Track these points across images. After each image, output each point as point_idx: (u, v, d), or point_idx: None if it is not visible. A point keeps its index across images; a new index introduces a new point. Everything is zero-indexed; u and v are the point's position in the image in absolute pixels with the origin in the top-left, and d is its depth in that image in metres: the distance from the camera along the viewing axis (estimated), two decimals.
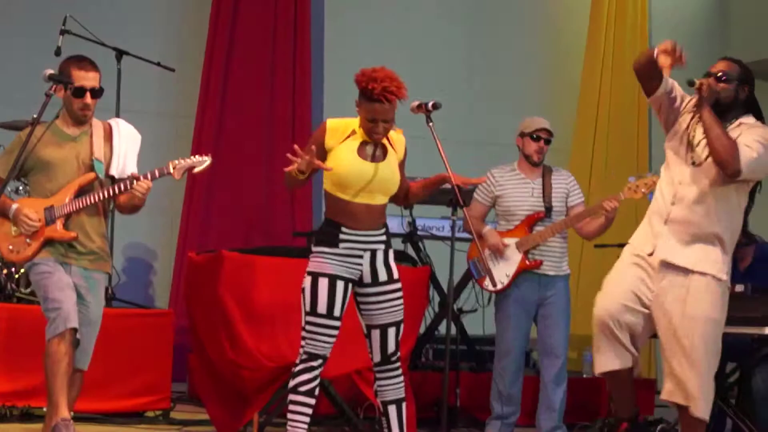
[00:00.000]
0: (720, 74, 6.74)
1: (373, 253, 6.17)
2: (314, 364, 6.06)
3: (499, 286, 8.04)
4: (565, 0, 14.10)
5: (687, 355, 6.38)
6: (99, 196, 6.46)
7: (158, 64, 10.69)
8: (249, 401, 8.02)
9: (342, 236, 6.10)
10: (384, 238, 6.23)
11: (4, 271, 8.79)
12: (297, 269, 7.91)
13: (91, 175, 6.51)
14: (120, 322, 9.00)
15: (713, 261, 6.47)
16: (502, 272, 8.04)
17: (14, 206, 6.44)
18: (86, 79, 6.53)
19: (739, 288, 8.22)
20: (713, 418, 8.85)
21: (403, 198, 6.38)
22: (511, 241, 8.06)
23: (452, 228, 6.66)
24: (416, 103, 6.31)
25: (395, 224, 9.41)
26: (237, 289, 8.06)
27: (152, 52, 10.86)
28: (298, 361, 6.10)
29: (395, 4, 13.02)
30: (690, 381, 6.38)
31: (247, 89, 12.16)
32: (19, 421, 8.04)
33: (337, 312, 6.06)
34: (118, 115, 9.82)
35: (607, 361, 6.59)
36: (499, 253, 8.06)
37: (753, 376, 8.48)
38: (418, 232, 9.58)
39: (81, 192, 6.47)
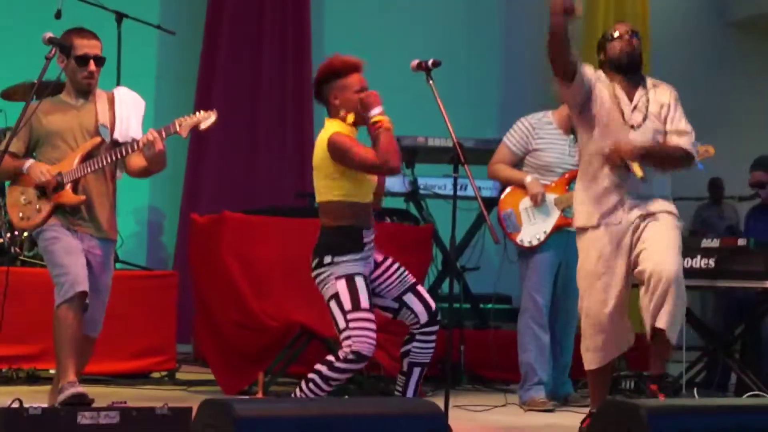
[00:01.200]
0: (633, 32, 6.80)
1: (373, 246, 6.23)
2: (358, 366, 6.01)
3: (535, 243, 7.90)
4: None
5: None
6: (106, 160, 6.34)
7: (159, 27, 10.66)
8: (253, 361, 8.02)
9: (365, 239, 6.11)
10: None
11: (8, 235, 8.77)
12: (299, 228, 7.93)
13: (97, 139, 6.40)
14: (125, 285, 8.99)
15: (672, 207, 6.77)
16: (540, 229, 7.88)
17: (28, 162, 6.33)
18: (89, 47, 6.43)
19: (742, 242, 8.20)
20: (719, 372, 8.86)
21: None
22: (552, 196, 7.91)
23: (454, 186, 6.57)
24: (416, 61, 6.30)
25: (397, 183, 9.39)
26: (239, 249, 8.06)
27: (152, 15, 10.82)
28: (341, 357, 5.97)
29: None
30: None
31: (247, 51, 12.17)
32: (25, 384, 8.03)
33: (371, 306, 6.04)
34: (119, 79, 9.84)
35: (609, 352, 6.64)
36: (535, 202, 7.89)
37: (760, 327, 8.44)
38: (420, 191, 9.54)
39: (88, 157, 6.35)
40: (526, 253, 7.97)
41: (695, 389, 8.51)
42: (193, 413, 3.97)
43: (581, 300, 6.67)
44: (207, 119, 6.39)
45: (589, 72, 6.63)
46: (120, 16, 10.19)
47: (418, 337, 6.13)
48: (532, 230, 7.84)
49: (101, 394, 7.05)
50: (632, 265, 6.56)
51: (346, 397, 7.55)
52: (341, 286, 5.98)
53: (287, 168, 11.91)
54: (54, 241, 6.26)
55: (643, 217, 6.62)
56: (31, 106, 6.27)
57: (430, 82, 6.24)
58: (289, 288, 7.79)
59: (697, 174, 12.31)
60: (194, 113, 6.43)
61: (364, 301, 5.96)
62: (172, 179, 11.90)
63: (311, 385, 5.97)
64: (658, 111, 6.71)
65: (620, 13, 13.74)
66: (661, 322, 6.42)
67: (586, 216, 6.63)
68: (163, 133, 6.30)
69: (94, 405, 5.74)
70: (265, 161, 11.97)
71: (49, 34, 6.36)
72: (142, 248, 11.93)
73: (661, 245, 6.52)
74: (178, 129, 6.34)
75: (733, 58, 15.03)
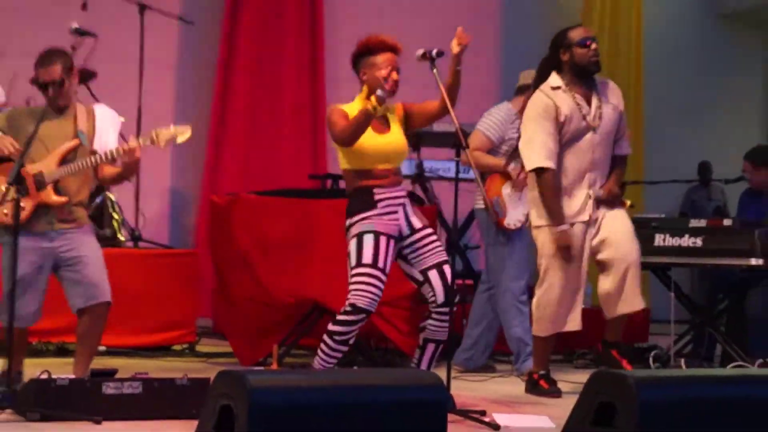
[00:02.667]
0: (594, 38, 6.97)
1: (404, 207, 6.17)
2: (356, 318, 5.98)
3: (518, 225, 7.92)
4: None
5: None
6: (87, 163, 6.31)
7: (179, 17, 10.64)
8: (269, 334, 8.02)
9: (377, 196, 6.07)
10: (405, 193, 6.26)
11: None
12: (311, 209, 7.92)
13: (75, 141, 6.37)
14: (148, 262, 9.04)
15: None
16: (521, 211, 7.89)
17: None
18: (45, 74, 6.35)
19: (727, 222, 8.22)
20: (705, 344, 8.87)
21: (448, 97, 6.15)
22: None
23: (456, 169, 6.58)
24: (421, 51, 6.24)
25: (404, 166, 9.35)
26: (255, 229, 8.06)
27: (173, 5, 10.80)
28: (342, 311, 6.03)
29: None
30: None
31: (264, 40, 12.14)
32: (54, 356, 8.05)
33: (381, 263, 5.99)
34: (141, 67, 9.84)
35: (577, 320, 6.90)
36: (517, 188, 7.91)
37: (745, 303, 8.44)
38: (426, 174, 9.54)
39: (65, 160, 6.32)
40: (511, 235, 7.99)
41: (683, 360, 8.53)
42: (211, 384, 3.98)
43: (545, 275, 6.86)
44: (183, 133, 6.44)
45: (552, 128, 6.80)
46: (142, 7, 10.18)
47: (434, 315, 6.12)
48: (515, 213, 7.86)
49: (125, 366, 7.07)
50: (593, 251, 6.86)
51: (354, 368, 7.57)
52: (352, 246, 6.03)
53: (302, 152, 11.89)
54: (10, 263, 5.97)
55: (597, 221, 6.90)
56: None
57: (434, 71, 6.21)
58: (302, 265, 7.79)
59: (688, 158, 12.38)
60: (171, 125, 6.43)
61: (367, 257, 5.96)
62: (193, 164, 11.92)
63: (323, 345, 6.03)
64: (610, 113, 6.93)
65: (615, 5, 13.72)
66: (636, 304, 6.88)
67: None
68: (141, 143, 6.31)
69: (118, 376, 5.75)
70: (281, 146, 11.94)
71: (75, 24, 6.36)
72: (165, 228, 11.90)
73: (623, 235, 6.87)
74: (155, 139, 6.34)
75: (722, 50, 14.98)
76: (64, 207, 6.29)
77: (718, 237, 8.09)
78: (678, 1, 14.85)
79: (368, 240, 5.99)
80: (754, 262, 7.85)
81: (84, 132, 6.45)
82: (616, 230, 6.85)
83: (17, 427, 5.31)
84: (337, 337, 6.00)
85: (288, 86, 12.06)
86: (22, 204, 6.02)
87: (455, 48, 6.12)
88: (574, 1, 13.85)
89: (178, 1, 11.57)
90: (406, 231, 6.13)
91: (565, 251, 6.76)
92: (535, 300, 6.92)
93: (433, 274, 6.10)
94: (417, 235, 6.14)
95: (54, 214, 6.29)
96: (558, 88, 6.82)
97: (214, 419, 3.77)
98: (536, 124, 6.82)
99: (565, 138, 6.80)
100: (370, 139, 6.07)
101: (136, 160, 6.34)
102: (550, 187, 6.75)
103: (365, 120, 5.93)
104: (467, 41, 6.11)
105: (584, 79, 6.85)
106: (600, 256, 6.86)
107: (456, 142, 6.24)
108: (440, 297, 6.08)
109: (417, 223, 6.16)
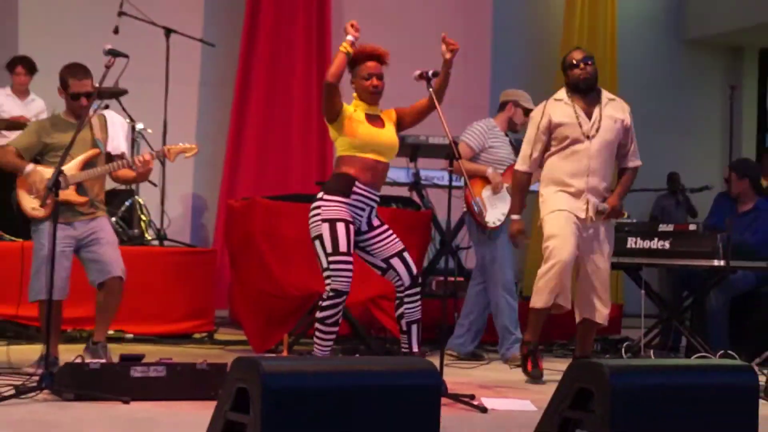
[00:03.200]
0: (588, 58, 7.01)
1: (372, 209, 6.16)
2: (339, 300, 5.98)
3: (498, 223, 7.95)
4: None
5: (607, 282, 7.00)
6: (106, 169, 6.69)
7: (201, 40, 10.65)
8: (279, 324, 8.03)
9: (356, 189, 6.05)
10: (378, 199, 6.21)
11: None
12: None
13: (96, 150, 6.70)
14: (172, 259, 9.05)
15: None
16: (499, 211, 7.93)
17: (27, 168, 6.57)
18: (80, 86, 6.62)
19: (693, 227, 8.22)
20: (671, 336, 8.87)
21: (436, 96, 6.20)
22: (506, 185, 7.94)
23: (450, 178, 6.59)
24: (418, 72, 6.24)
25: (402, 175, 9.40)
26: (268, 230, 8.06)
27: (196, 29, 10.80)
28: (324, 297, 6.01)
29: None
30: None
31: (278, 60, 12.15)
32: (87, 342, 8.03)
33: (351, 250, 6.01)
34: (167, 86, 9.85)
35: (568, 299, 6.88)
36: (495, 191, 7.97)
37: (708, 300, 8.44)
38: (421, 182, 9.54)
39: (86, 165, 6.63)
40: (492, 233, 8.00)
41: (652, 351, 8.53)
42: (228, 369, 3.98)
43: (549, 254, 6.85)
44: (191, 150, 6.84)
45: (537, 146, 6.96)
46: (168, 31, 10.21)
47: (405, 299, 6.12)
48: (494, 213, 7.92)
49: (151, 352, 7.07)
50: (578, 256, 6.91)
51: (357, 355, 7.56)
52: (324, 230, 5.98)
53: (309, 161, 11.89)
54: (38, 241, 6.58)
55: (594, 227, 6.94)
56: (91, 110, 6.43)
57: (430, 89, 6.21)
58: (309, 262, 7.73)
59: (658, 169, 12.39)
60: (182, 143, 6.88)
61: (343, 246, 5.95)
62: (212, 171, 11.93)
63: (317, 332, 6.05)
64: (611, 125, 6.93)
65: (593, 30, 13.72)
66: (601, 318, 6.98)
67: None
68: (155, 156, 6.71)
69: (144, 361, 5.75)
70: (291, 155, 11.96)
71: (108, 46, 6.38)
72: (187, 229, 11.91)
73: (600, 256, 6.95)
74: (166, 154, 6.75)
75: (687, 72, 15.00)
76: (82, 204, 6.62)
77: (684, 240, 8.10)
78: (648, 28, 14.83)
79: (341, 229, 5.98)
80: (716, 263, 7.86)
81: (100, 139, 6.76)
82: (603, 252, 6.96)
83: (54, 406, 5.31)
84: (327, 321, 6.01)
85: (297, 103, 12.08)
86: (47, 201, 6.30)
87: (447, 54, 6.19)
88: (555, 28, 13.86)
89: (200, 25, 11.61)
90: (364, 227, 6.13)
91: (514, 238, 7.05)
92: (538, 273, 6.89)
93: (396, 261, 6.10)
94: (375, 231, 6.14)
95: (75, 209, 6.61)
96: (560, 100, 6.95)
97: (231, 401, 3.76)
98: (529, 130, 7.05)
99: (563, 143, 6.86)
100: (366, 129, 6.09)
101: (149, 170, 6.72)
102: (516, 184, 7.03)
103: (341, 59, 6.02)
104: (456, 47, 6.18)
105: (584, 94, 6.89)
106: (579, 267, 6.89)
107: (449, 153, 6.25)
108: (406, 280, 6.09)
109: (376, 222, 6.17)
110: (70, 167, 6.52)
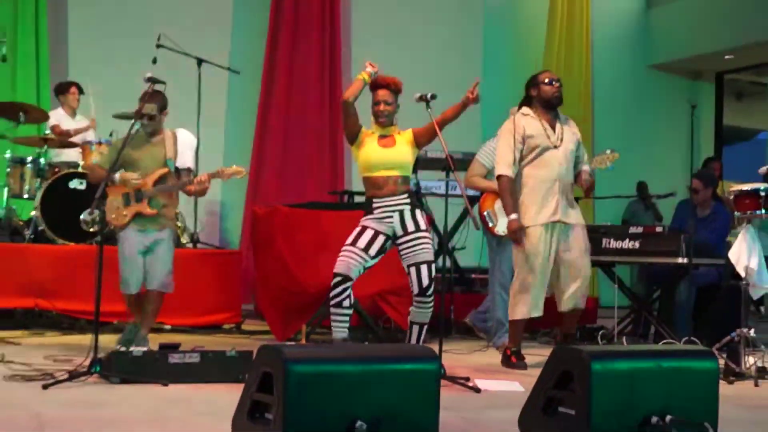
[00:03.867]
0: (558, 80, 6.99)
1: (401, 212, 6.14)
2: (338, 280, 6.00)
3: (507, 232, 7.89)
4: (527, 23, 14.08)
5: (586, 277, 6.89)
6: (174, 186, 6.81)
7: (228, 68, 10.67)
8: (298, 316, 8.01)
9: (375, 205, 6.12)
10: (407, 200, 6.19)
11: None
12: (331, 218, 7.92)
13: (165, 169, 6.79)
14: (204, 259, 9.04)
15: (582, 216, 7.01)
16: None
17: (118, 174, 6.74)
18: (146, 109, 6.72)
19: (659, 229, 8.22)
20: (641, 325, 8.86)
21: (441, 124, 6.24)
22: None
23: (446, 187, 6.60)
24: (418, 94, 6.23)
25: None
26: (287, 234, 8.06)
27: (224, 58, 10.81)
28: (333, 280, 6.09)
29: (404, 30, 13.01)
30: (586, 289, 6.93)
31: (296, 85, 12.17)
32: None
33: (359, 243, 6.05)
34: (199, 108, 9.88)
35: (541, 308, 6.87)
36: None
37: (677, 293, 8.42)
38: (422, 190, 9.53)
39: (158, 181, 6.74)
40: (500, 240, 7.96)
41: (624, 338, 8.52)
42: (254, 355, 3.98)
43: (519, 271, 6.85)
44: (239, 173, 6.96)
45: (516, 154, 6.85)
46: (200, 61, 10.24)
47: (414, 303, 6.14)
48: (504, 223, 7.82)
49: (186, 341, 7.05)
50: (559, 253, 6.83)
51: (365, 343, 7.56)
52: (354, 232, 6.14)
53: (324, 174, 11.90)
54: (123, 247, 6.77)
55: (566, 225, 6.83)
56: (128, 133, 6.56)
57: (429, 110, 6.20)
58: (323, 262, 7.73)
59: (628, 179, 12.38)
60: (234, 165, 7.02)
61: (350, 240, 6.08)
62: (238, 182, 11.87)
63: (332, 311, 6.13)
64: (570, 137, 6.93)
65: (569, 56, 13.75)
66: (580, 304, 6.87)
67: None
68: (210, 177, 6.84)
69: (181, 349, 5.75)
70: (308, 169, 11.98)
71: (148, 74, 6.40)
72: (217, 233, 11.92)
73: (579, 252, 6.82)
74: (221, 175, 6.89)
75: (653, 92, 15.02)
76: (151, 216, 6.74)
77: (651, 241, 8.09)
78: (620, 54, 14.83)
79: (357, 230, 6.12)
80: (680, 260, 7.84)
81: (171, 157, 6.84)
82: (577, 247, 6.82)
83: (103, 388, 5.32)
84: (332, 301, 6.07)
85: (312, 123, 12.12)
86: (124, 212, 6.68)
87: (469, 102, 6.21)
88: (537, 55, 13.87)
89: (227, 55, 11.63)
90: (399, 232, 6.13)
91: (514, 234, 6.81)
92: (511, 290, 6.90)
93: (413, 270, 6.11)
94: (407, 237, 6.13)
95: (147, 219, 6.74)
96: (527, 114, 6.89)
97: (257, 383, 3.77)
98: (503, 140, 6.91)
99: (534, 152, 6.80)
100: (375, 151, 6.14)
101: (205, 189, 6.87)
102: (506, 188, 6.85)
103: (358, 83, 6.11)
104: (478, 99, 6.20)
105: (550, 110, 6.87)
106: (561, 262, 6.84)
107: (445, 165, 6.25)
108: (416, 290, 6.10)
109: (410, 227, 6.14)
110: (145, 182, 6.69)
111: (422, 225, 6.19)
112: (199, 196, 7.22)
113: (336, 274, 6.02)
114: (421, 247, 6.13)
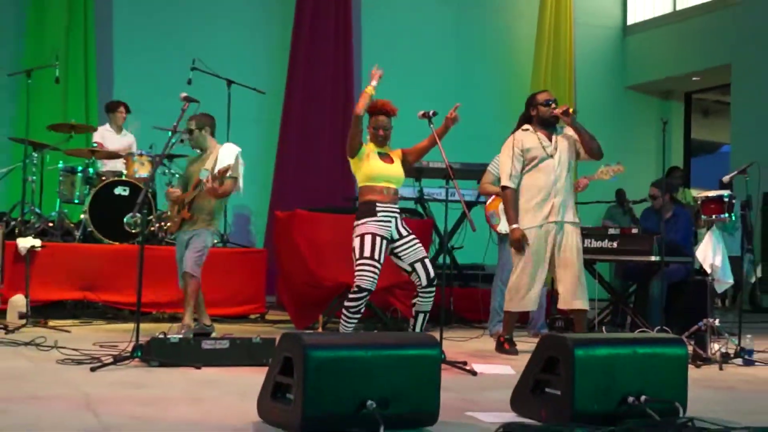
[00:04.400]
0: (552, 100, 6.89)
1: (396, 219, 6.16)
2: (362, 295, 6.01)
3: (508, 231, 7.89)
4: (517, 51, 14.09)
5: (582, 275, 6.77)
6: (194, 193, 6.80)
7: (254, 89, 10.68)
8: (315, 308, 8.02)
9: (378, 208, 6.10)
10: (398, 210, 6.23)
11: (158, 225, 8.86)
12: (344, 221, 7.90)
13: (197, 179, 6.80)
14: (232, 257, 9.05)
15: (577, 215, 6.88)
16: None
17: (176, 192, 6.98)
18: (189, 125, 6.80)
19: (635, 231, 8.20)
20: (619, 316, 8.84)
21: (428, 146, 6.29)
22: None
23: (446, 193, 6.60)
24: (421, 112, 6.24)
25: (410, 191, 9.37)
26: (306, 235, 8.05)
27: (251, 79, 10.83)
28: (352, 291, 6.04)
29: (412, 49, 13.04)
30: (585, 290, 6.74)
31: (313, 103, 12.21)
32: (167, 322, 8.03)
33: (376, 256, 6.02)
34: (228, 124, 9.89)
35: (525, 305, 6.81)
36: None
37: (650, 288, 8.41)
38: (424, 196, 9.53)
39: (195, 187, 6.80)
40: (503, 237, 7.96)
41: (603, 327, 8.51)
42: (276, 342, 3.98)
43: (517, 268, 6.79)
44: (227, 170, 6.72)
45: (516, 165, 6.80)
46: (229, 82, 10.25)
47: (420, 294, 6.13)
48: (506, 222, 7.81)
49: (216, 329, 7.09)
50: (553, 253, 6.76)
51: (375, 331, 7.55)
52: (356, 243, 6.07)
53: (338, 182, 11.91)
54: (177, 246, 6.97)
55: (561, 225, 6.74)
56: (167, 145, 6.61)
57: (431, 125, 6.21)
58: (337, 259, 7.75)
59: (608, 186, 12.34)
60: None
61: (368, 252, 6.01)
62: (263, 190, 11.97)
63: (343, 316, 6.09)
64: (566, 144, 6.84)
65: (555, 78, 13.74)
66: (577, 304, 6.70)
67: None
68: (214, 179, 6.70)
69: (212, 336, 5.75)
70: (324, 176, 12.01)
71: (184, 93, 6.40)
72: (244, 233, 11.94)
73: (571, 251, 6.73)
74: (221, 174, 6.66)
75: (629, 110, 15.04)
76: (190, 218, 6.84)
77: (628, 241, 8.08)
78: (600, 76, 14.84)
79: (368, 240, 6.03)
80: (653, 258, 7.84)
81: (208, 168, 6.79)
82: (570, 246, 6.74)
83: (144, 370, 5.33)
84: (352, 310, 6.04)
85: (327, 135, 12.21)
86: (175, 219, 6.87)
87: (450, 122, 6.18)
88: (525, 78, 13.87)
89: (253, 76, 11.66)
90: (395, 236, 6.14)
91: (517, 243, 6.73)
92: (508, 285, 6.87)
93: (418, 266, 6.11)
94: (403, 240, 6.14)
95: (187, 222, 6.86)
96: (527, 130, 6.85)
97: (279, 366, 3.77)
98: (504, 155, 6.87)
99: (533, 162, 6.77)
100: (378, 165, 6.16)
101: (216, 189, 6.69)
102: (509, 199, 6.79)
103: (366, 97, 6.10)
104: (457, 120, 6.18)
105: (547, 126, 6.83)
106: (557, 261, 6.77)
107: (446, 174, 6.24)
108: (424, 281, 6.10)
109: (404, 232, 6.17)
110: (188, 192, 6.84)
111: (408, 229, 6.24)
112: (220, 197, 6.97)
113: (362, 289, 6.00)
114: (418, 246, 6.17)
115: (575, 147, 6.86)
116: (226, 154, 6.83)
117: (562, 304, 6.83)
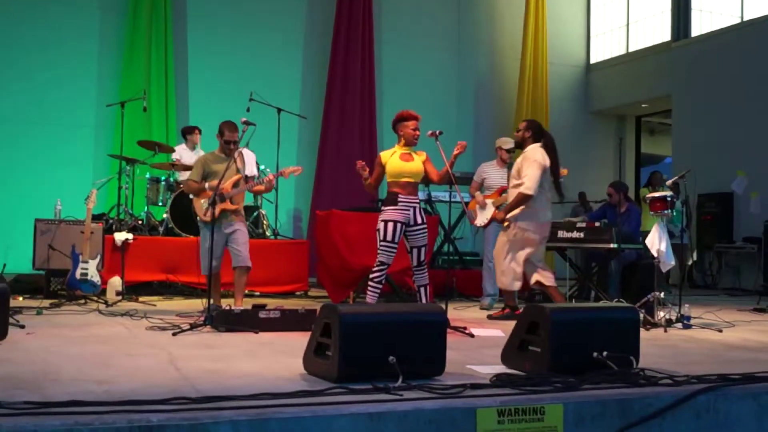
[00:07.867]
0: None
1: (415, 208, 6.14)
2: (383, 267, 6.04)
3: (483, 224, 7.86)
4: (504, 86, 14.02)
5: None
6: (245, 187, 6.52)
7: (298, 115, 10.69)
8: (347, 286, 8.02)
9: (399, 199, 6.09)
10: (418, 200, 6.20)
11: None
12: (371, 218, 7.91)
13: (239, 176, 6.52)
14: (282, 247, 9.05)
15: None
16: (483, 217, 7.84)
17: (208, 184, 6.49)
18: (231, 137, 6.49)
19: (597, 224, 8.15)
20: (585, 291, 8.80)
21: (439, 178, 6.18)
22: (489, 201, 7.84)
23: (449, 196, 6.57)
24: (429, 132, 6.19)
25: (420, 194, 9.36)
26: (340, 229, 8.05)
27: (295, 107, 10.82)
28: (375, 264, 6.05)
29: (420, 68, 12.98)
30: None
31: (345, 126, 12.19)
32: (232, 297, 8.04)
33: (394, 239, 6.04)
34: (279, 144, 9.88)
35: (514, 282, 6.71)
36: (482, 206, 7.87)
37: (609, 268, 8.37)
38: (432, 198, 9.52)
39: (234, 186, 6.50)
40: (482, 229, 7.93)
41: (573, 299, 8.46)
42: (317, 312, 3.97)
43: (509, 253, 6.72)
44: (297, 170, 6.50)
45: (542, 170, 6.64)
46: (279, 110, 10.24)
47: (414, 271, 6.18)
48: (481, 218, 7.78)
49: (270, 302, 7.08)
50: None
51: (394, 302, 7.54)
52: (381, 226, 6.07)
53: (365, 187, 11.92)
54: (204, 237, 6.42)
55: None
56: (235, 158, 6.46)
57: (438, 143, 6.17)
58: (365, 249, 7.77)
59: (573, 189, 12.30)
60: (292, 166, 6.55)
61: (389, 236, 6.02)
62: (305, 192, 11.98)
63: (369, 285, 6.10)
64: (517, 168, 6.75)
65: (534, 105, 13.68)
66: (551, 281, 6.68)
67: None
68: (275, 176, 6.59)
69: (267, 308, 5.76)
70: (354, 183, 11.99)
71: (244, 119, 6.40)
72: (290, 228, 11.96)
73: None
74: (283, 173, 6.45)
75: (592, 130, 14.98)
76: (233, 211, 6.48)
77: (591, 232, 8.01)
78: (566, 104, 14.78)
79: (390, 226, 6.04)
80: (612, 246, 7.78)
81: (241, 168, 6.63)
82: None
83: (214, 335, 5.33)
84: (375, 280, 6.07)
85: (357, 151, 12.10)
86: (215, 209, 6.24)
87: (456, 156, 6.01)
88: (511, 109, 13.82)
89: (298, 104, 11.70)
90: (411, 222, 6.12)
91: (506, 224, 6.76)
92: (503, 267, 6.81)
93: (415, 251, 6.14)
94: (415, 227, 6.13)
95: (227, 214, 6.46)
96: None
97: (320, 330, 3.77)
98: (538, 165, 6.64)
99: (549, 180, 6.72)
100: (398, 164, 6.14)
101: (272, 186, 6.63)
102: (529, 205, 6.65)
103: (366, 183, 6.20)
104: (463, 151, 6.02)
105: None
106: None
107: (449, 181, 6.21)
108: (414, 262, 6.14)
109: (419, 219, 6.14)
110: (226, 186, 6.42)
111: (424, 219, 6.20)
112: (266, 192, 6.80)
113: (382, 263, 6.03)
114: (422, 236, 6.15)
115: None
116: (251, 159, 6.82)
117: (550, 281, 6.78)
